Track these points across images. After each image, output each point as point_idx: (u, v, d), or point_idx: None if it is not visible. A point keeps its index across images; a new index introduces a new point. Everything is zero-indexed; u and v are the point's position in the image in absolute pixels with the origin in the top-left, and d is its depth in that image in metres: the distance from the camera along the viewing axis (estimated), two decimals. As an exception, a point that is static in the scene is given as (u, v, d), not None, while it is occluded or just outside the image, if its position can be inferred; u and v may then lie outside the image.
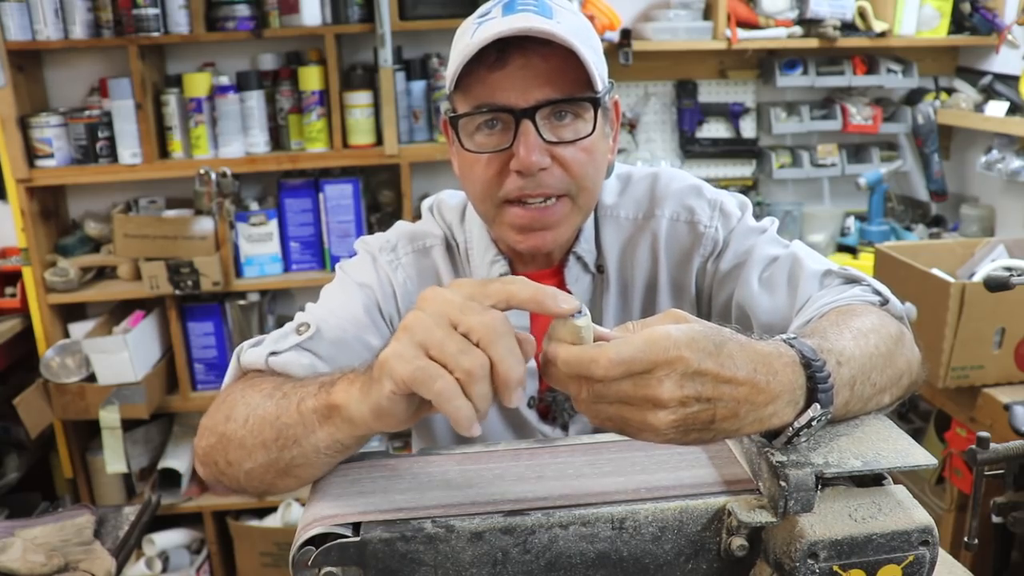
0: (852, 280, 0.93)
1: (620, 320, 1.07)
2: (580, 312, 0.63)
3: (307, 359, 0.91)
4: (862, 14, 2.64)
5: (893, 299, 0.89)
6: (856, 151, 2.91)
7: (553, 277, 1.05)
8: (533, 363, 1.05)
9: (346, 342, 0.96)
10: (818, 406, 0.65)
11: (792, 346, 0.67)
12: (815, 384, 0.66)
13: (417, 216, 1.17)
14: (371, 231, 2.61)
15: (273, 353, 0.90)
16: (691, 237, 1.05)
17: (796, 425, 0.65)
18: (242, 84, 2.46)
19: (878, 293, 0.89)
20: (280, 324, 2.72)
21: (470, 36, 0.89)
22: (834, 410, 0.68)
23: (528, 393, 1.07)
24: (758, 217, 1.07)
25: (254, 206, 2.57)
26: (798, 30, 2.63)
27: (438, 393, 0.59)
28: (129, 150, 2.42)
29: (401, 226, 1.11)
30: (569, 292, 1.03)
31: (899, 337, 0.83)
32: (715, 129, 2.86)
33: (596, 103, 0.92)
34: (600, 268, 1.06)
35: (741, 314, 1.01)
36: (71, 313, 2.56)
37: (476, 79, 0.90)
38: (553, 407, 1.08)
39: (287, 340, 0.92)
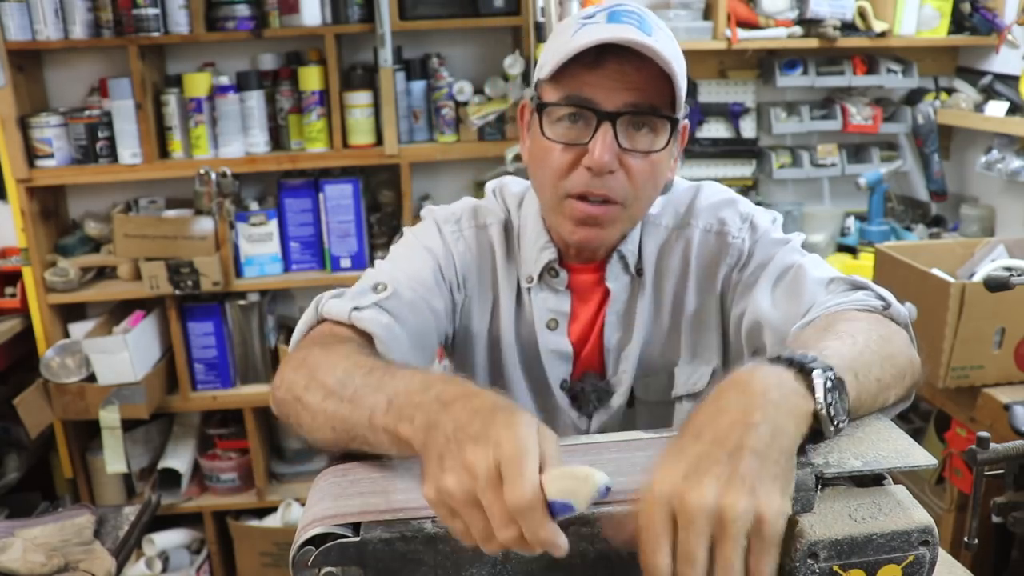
0: (857, 287, 0.94)
1: (652, 323, 1.11)
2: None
3: (386, 318, 0.96)
4: (862, 14, 2.64)
5: (896, 304, 0.89)
6: (856, 151, 2.91)
7: (595, 272, 1.10)
8: (568, 346, 1.09)
9: (416, 304, 1.02)
10: (819, 371, 0.66)
11: (762, 364, 0.69)
12: (799, 364, 0.67)
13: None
14: (371, 231, 2.61)
15: (356, 308, 0.94)
16: (719, 246, 1.08)
17: (820, 399, 0.66)
18: (242, 84, 2.45)
19: (881, 298, 0.90)
20: (280, 324, 2.75)
21: (571, 34, 0.94)
22: (839, 376, 0.68)
23: (560, 376, 1.12)
24: (786, 230, 1.10)
25: (254, 206, 2.57)
26: (798, 30, 2.62)
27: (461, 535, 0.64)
28: (129, 150, 2.42)
29: (467, 201, 1.16)
30: (608, 289, 1.08)
31: (894, 337, 0.83)
32: (715, 129, 2.86)
33: (675, 123, 0.97)
34: (639, 271, 1.10)
35: (752, 323, 1.03)
36: (71, 313, 2.56)
37: (570, 74, 0.95)
38: (581, 396, 1.12)
39: (367, 297, 0.97)
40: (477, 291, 1.12)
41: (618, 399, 1.11)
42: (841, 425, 0.67)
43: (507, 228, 1.13)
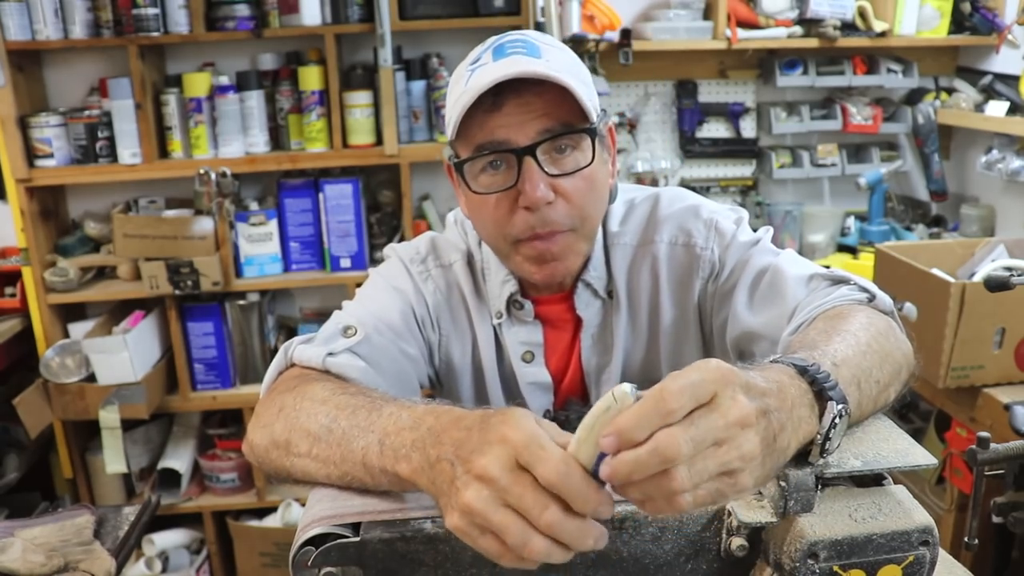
0: (838, 281, 0.93)
1: (630, 340, 1.10)
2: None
3: (361, 363, 0.94)
4: (862, 14, 2.64)
5: (880, 294, 0.89)
6: (856, 151, 2.91)
7: (564, 302, 1.09)
8: (547, 376, 1.08)
9: (388, 350, 1.00)
10: (834, 403, 0.65)
11: (781, 363, 0.68)
12: (820, 386, 0.66)
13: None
14: (371, 231, 2.61)
15: (330, 354, 0.93)
16: (689, 260, 1.07)
17: (823, 429, 0.65)
18: (242, 84, 2.45)
19: (865, 290, 0.90)
20: (280, 324, 2.75)
21: (464, 84, 0.93)
22: (851, 410, 0.67)
23: (543, 406, 1.11)
24: (754, 228, 1.08)
25: (254, 206, 2.57)
26: (798, 30, 2.62)
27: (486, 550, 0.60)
28: (129, 150, 2.42)
29: (428, 238, 1.15)
30: (580, 317, 1.07)
31: (889, 331, 0.83)
32: (715, 129, 2.86)
33: (592, 133, 0.95)
34: (610, 293, 1.09)
35: (737, 331, 1.02)
36: (71, 313, 2.56)
37: (476, 124, 0.93)
38: (565, 425, 1.09)
39: (338, 342, 0.95)
40: (453, 329, 1.11)
41: None
42: (828, 455, 0.67)
43: (470, 263, 1.11)
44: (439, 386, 1.14)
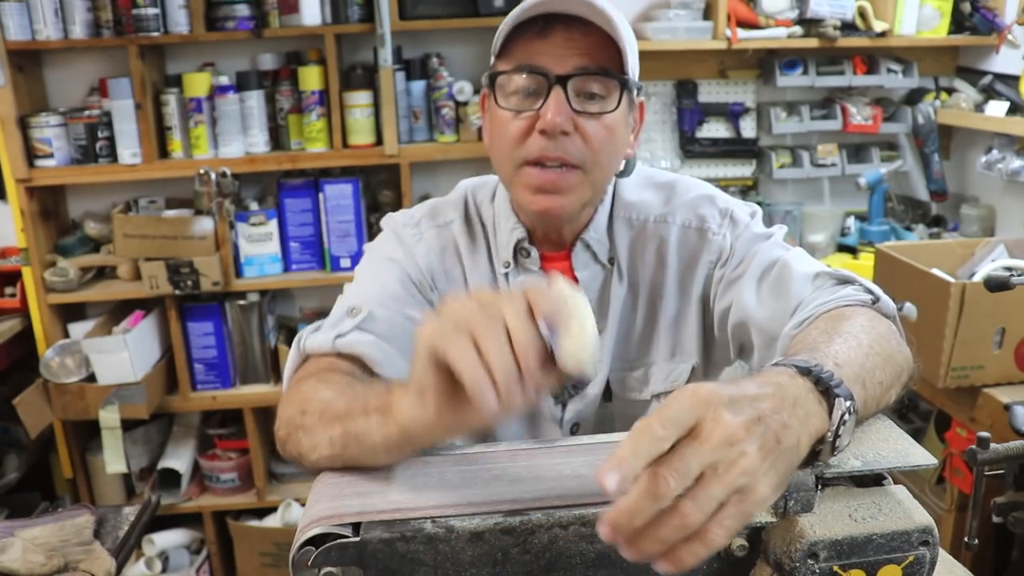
0: (844, 281, 0.93)
1: (627, 313, 1.11)
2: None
3: (369, 337, 0.96)
4: (862, 14, 2.64)
5: (884, 297, 0.90)
6: (856, 151, 2.91)
7: (564, 260, 1.10)
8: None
9: (393, 320, 1.01)
10: (842, 400, 0.65)
11: (782, 365, 0.68)
12: (825, 385, 0.66)
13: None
14: (371, 231, 2.61)
15: (339, 336, 0.94)
16: (700, 243, 1.08)
17: (832, 426, 0.65)
18: (242, 84, 2.45)
19: (869, 292, 0.90)
20: (280, 324, 2.75)
21: (522, 8, 0.96)
22: (857, 407, 0.67)
23: None
24: (768, 224, 1.09)
25: (254, 206, 2.57)
26: (798, 30, 2.62)
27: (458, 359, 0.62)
28: (129, 150, 2.42)
29: (427, 203, 1.18)
30: (576, 279, 1.09)
31: (891, 334, 0.84)
32: (715, 129, 2.86)
33: (624, 84, 0.98)
34: (611, 260, 1.10)
35: (738, 321, 1.02)
36: (71, 313, 2.56)
37: (520, 44, 0.97)
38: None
39: (344, 323, 0.97)
40: (447, 288, 1.12)
41: (593, 388, 1.11)
42: (838, 452, 0.67)
43: (468, 221, 1.14)
44: None
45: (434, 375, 0.66)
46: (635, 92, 1.03)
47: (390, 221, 1.16)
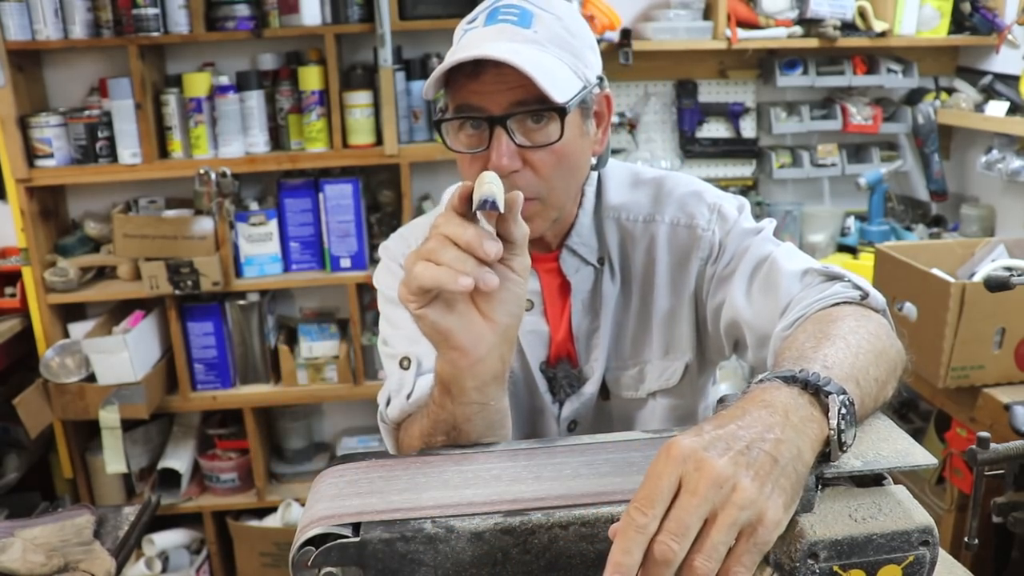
0: (832, 277, 0.93)
1: (621, 312, 1.12)
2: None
3: (431, 376, 0.99)
4: (862, 14, 2.64)
5: (873, 292, 0.90)
6: (856, 151, 2.91)
7: (553, 262, 1.12)
8: (546, 326, 1.12)
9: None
10: (834, 396, 0.65)
11: (766, 380, 0.68)
12: (814, 387, 0.66)
13: (419, 212, 1.21)
14: (371, 231, 2.61)
15: (409, 395, 0.99)
16: (690, 240, 1.09)
17: (832, 422, 0.65)
18: (242, 84, 2.45)
19: (858, 288, 0.90)
20: (280, 324, 2.75)
21: (456, 41, 0.98)
22: (853, 399, 0.67)
23: (539, 357, 1.13)
24: (757, 218, 1.09)
25: (254, 206, 2.57)
26: (798, 30, 2.62)
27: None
28: (129, 150, 2.42)
29: (416, 221, 1.20)
30: (568, 282, 1.11)
31: (880, 330, 0.83)
32: (715, 129, 2.86)
33: (563, 112, 0.96)
34: (601, 261, 1.11)
35: (730, 319, 1.03)
36: (71, 313, 2.56)
37: (458, 85, 0.97)
38: (554, 382, 1.14)
39: (407, 382, 1.00)
40: None
41: (590, 387, 1.13)
42: (847, 448, 0.67)
43: None
44: None
45: (427, 317, 0.76)
46: (589, 97, 1.01)
47: (386, 252, 1.18)
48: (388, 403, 1.01)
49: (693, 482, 0.57)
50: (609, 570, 0.55)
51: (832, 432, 0.65)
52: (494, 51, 0.91)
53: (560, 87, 0.94)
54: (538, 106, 0.95)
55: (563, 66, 0.97)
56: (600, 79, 1.04)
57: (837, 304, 0.88)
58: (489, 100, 0.96)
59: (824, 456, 0.66)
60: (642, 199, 1.12)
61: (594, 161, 1.09)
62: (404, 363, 1.02)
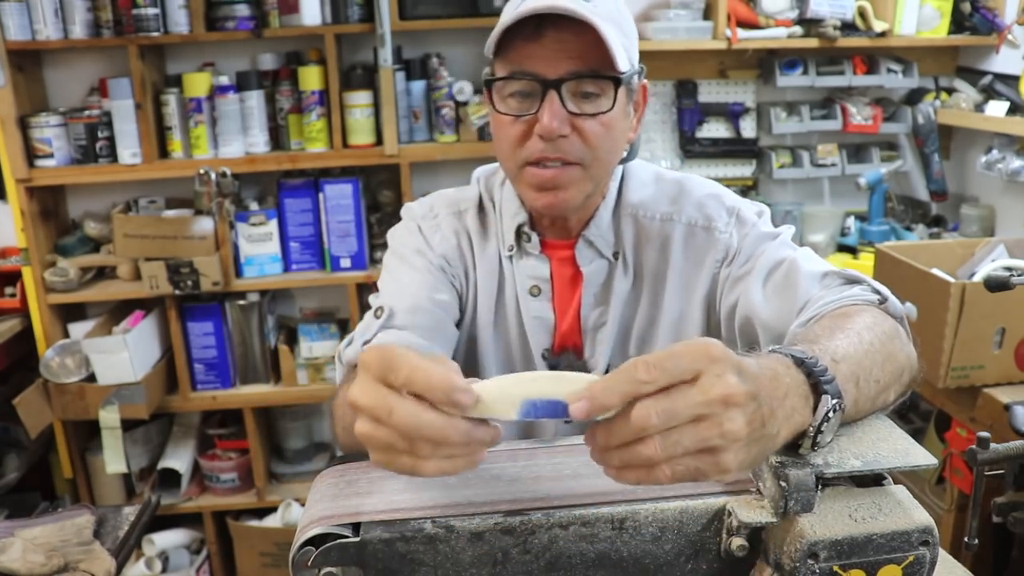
0: (852, 281, 0.93)
1: (630, 308, 1.11)
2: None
3: (393, 336, 1.01)
4: (862, 14, 2.64)
5: (892, 298, 0.90)
6: (856, 151, 2.91)
7: (568, 250, 1.12)
8: (551, 314, 1.11)
9: (420, 306, 1.06)
10: (828, 398, 0.65)
11: (780, 353, 0.68)
12: (816, 379, 0.66)
13: None
14: (371, 231, 2.61)
15: (366, 342, 1.00)
16: (707, 241, 1.09)
17: (815, 422, 0.65)
18: (242, 84, 2.45)
19: (877, 292, 0.90)
20: (280, 324, 2.75)
21: (515, 6, 0.97)
22: (845, 405, 0.68)
23: (542, 345, 1.13)
24: (775, 224, 1.10)
25: (254, 206, 2.57)
26: (798, 30, 2.62)
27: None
28: (129, 150, 2.42)
29: (444, 193, 1.20)
30: (580, 273, 1.10)
31: (895, 334, 0.83)
32: (715, 129, 2.86)
33: (618, 82, 0.97)
34: (616, 255, 1.11)
35: (744, 318, 1.02)
36: (71, 313, 2.56)
37: (514, 48, 0.98)
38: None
39: (371, 328, 1.02)
40: (461, 273, 1.15)
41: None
42: (819, 448, 0.67)
43: (482, 209, 1.16)
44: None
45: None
46: (634, 80, 1.03)
47: (409, 211, 1.19)
48: (349, 344, 1.03)
49: (708, 384, 0.56)
50: (587, 392, 0.57)
51: (811, 429, 0.66)
52: (564, 6, 0.92)
53: (620, 57, 0.96)
54: (594, 74, 0.96)
55: (619, 42, 0.98)
56: (642, 67, 1.05)
57: (855, 304, 0.88)
58: (545, 65, 0.96)
59: (793, 446, 0.67)
60: (661, 198, 1.12)
61: (626, 150, 1.10)
62: (377, 312, 1.04)
